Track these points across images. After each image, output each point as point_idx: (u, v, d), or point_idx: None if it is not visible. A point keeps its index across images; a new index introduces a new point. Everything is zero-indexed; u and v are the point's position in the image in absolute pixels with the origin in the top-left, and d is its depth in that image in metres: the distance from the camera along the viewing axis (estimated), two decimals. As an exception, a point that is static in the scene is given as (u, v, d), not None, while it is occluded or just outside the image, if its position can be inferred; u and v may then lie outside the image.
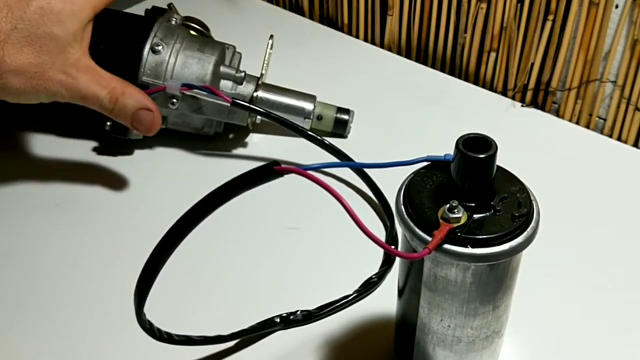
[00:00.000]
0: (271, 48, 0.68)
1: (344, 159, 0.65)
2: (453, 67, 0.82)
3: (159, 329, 0.45)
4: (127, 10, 0.86)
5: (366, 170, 0.63)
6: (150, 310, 0.43)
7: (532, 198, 0.41)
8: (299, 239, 0.61)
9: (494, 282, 0.41)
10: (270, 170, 0.38)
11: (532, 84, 0.76)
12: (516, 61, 0.76)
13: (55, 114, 0.72)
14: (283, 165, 0.38)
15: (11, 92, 0.54)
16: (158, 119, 0.59)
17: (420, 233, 0.39)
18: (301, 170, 0.38)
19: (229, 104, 0.63)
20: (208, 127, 0.68)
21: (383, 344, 0.51)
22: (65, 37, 0.54)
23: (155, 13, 0.68)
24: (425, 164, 0.43)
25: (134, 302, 0.41)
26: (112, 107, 0.57)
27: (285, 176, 0.40)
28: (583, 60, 0.72)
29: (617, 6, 0.68)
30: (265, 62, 0.68)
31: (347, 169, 0.66)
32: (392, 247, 0.58)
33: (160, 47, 0.64)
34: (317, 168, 0.40)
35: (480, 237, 0.39)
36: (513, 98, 0.77)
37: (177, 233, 0.39)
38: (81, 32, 0.56)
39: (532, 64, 0.75)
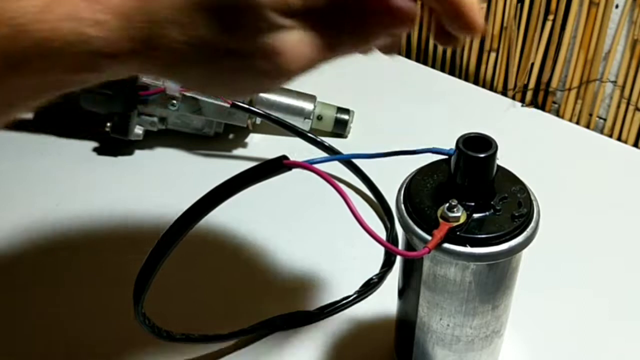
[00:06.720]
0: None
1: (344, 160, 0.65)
2: (453, 67, 0.82)
3: (158, 327, 0.45)
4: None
5: (367, 172, 0.63)
6: (151, 308, 0.43)
7: (532, 198, 0.41)
8: (300, 239, 0.60)
9: (494, 282, 0.41)
10: (279, 164, 0.39)
11: (532, 84, 0.76)
12: (516, 61, 0.76)
13: (55, 114, 0.72)
14: (292, 160, 0.39)
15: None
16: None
17: (420, 232, 0.39)
18: (309, 165, 0.39)
19: (228, 106, 0.63)
20: (208, 127, 0.68)
21: (383, 344, 0.51)
22: None
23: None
24: (428, 159, 0.43)
25: (133, 299, 0.41)
26: None
27: (287, 176, 0.40)
28: (583, 60, 0.72)
29: (617, 6, 0.68)
30: (265, 62, 0.68)
31: (348, 171, 0.65)
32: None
33: (160, 48, 0.64)
34: (324, 161, 0.40)
35: (480, 236, 0.39)
36: (513, 98, 0.77)
37: (182, 226, 0.39)
38: None
39: (532, 64, 0.75)
